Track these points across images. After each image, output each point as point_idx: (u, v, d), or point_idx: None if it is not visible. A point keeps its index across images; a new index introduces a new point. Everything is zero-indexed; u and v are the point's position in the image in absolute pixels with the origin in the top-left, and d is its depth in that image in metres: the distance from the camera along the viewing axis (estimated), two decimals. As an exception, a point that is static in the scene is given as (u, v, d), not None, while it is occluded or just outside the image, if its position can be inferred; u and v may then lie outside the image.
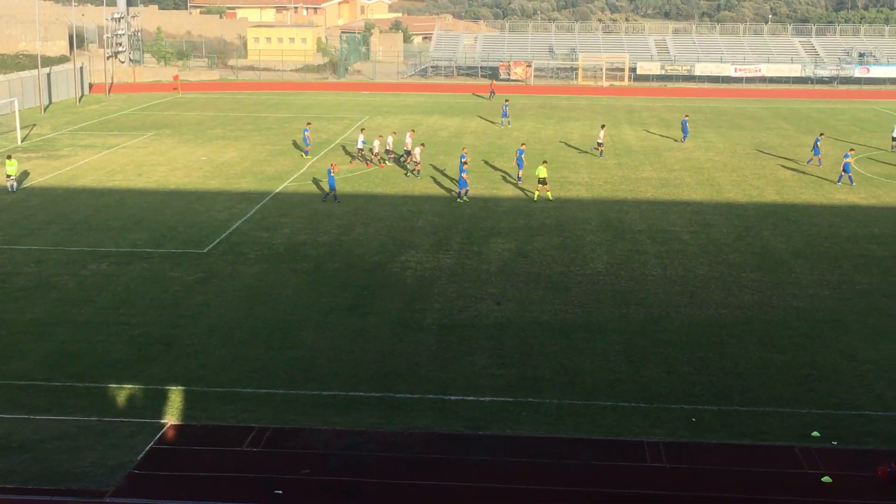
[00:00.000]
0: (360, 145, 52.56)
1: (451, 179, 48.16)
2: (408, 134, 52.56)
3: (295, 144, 58.03)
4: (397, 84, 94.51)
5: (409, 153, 50.39)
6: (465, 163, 44.92)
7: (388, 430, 21.18)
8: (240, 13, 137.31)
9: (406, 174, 49.41)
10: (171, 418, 21.63)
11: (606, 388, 23.51)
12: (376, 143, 52.62)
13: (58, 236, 37.12)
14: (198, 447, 20.42)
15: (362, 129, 55.98)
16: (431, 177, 49.23)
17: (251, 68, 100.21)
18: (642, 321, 28.30)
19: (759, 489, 18.80)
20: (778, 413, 22.24)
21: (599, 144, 55.91)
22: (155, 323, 27.73)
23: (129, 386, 23.38)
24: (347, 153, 55.50)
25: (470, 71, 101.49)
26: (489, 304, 29.62)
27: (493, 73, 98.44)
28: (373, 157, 52.37)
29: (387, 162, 52.51)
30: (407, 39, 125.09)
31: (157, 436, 20.70)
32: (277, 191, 45.72)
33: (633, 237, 37.74)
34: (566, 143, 60.55)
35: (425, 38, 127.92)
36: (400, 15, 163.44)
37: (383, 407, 22.44)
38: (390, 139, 54.09)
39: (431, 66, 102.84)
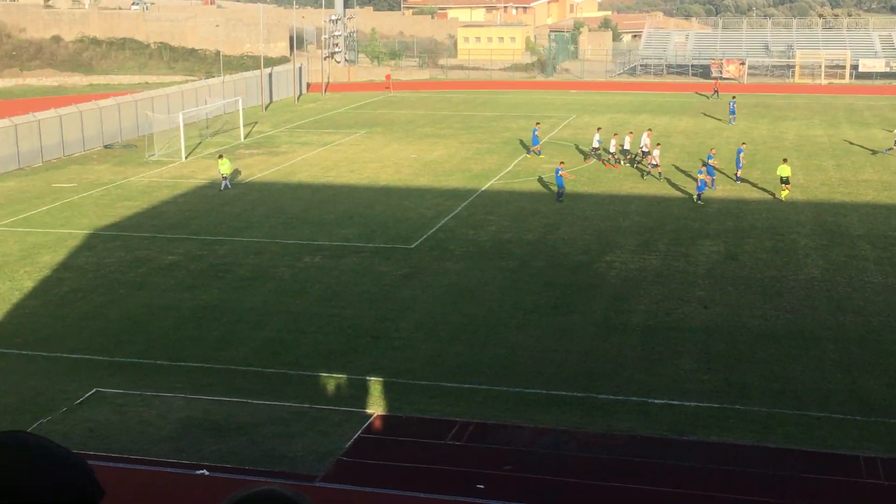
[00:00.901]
0: (595, 144, 52.24)
1: (665, 180, 47.34)
2: (645, 133, 51.14)
3: (522, 143, 58.18)
4: (605, 83, 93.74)
5: (646, 154, 49.40)
6: (709, 163, 43.88)
7: (590, 431, 21.07)
8: (451, 13, 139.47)
9: (643, 176, 48.15)
10: (377, 409, 22.25)
11: (820, 398, 22.55)
12: (612, 142, 52.01)
13: (276, 229, 38.82)
14: (402, 438, 20.92)
15: (598, 129, 55.09)
16: (635, 175, 48.57)
17: (460, 67, 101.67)
18: (860, 330, 26.99)
19: None
20: None
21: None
22: (364, 315, 28.58)
23: (339, 376, 24.21)
24: (580, 152, 55.24)
25: (680, 69, 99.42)
26: (696, 307, 28.97)
27: (704, 72, 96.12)
28: (609, 156, 51.82)
29: (621, 162, 51.55)
30: (616, 38, 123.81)
31: (365, 425, 21.34)
32: (484, 188, 46.22)
33: (850, 242, 36.03)
34: (780, 143, 58.41)
35: (635, 36, 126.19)
36: (609, 13, 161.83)
37: (585, 407, 22.34)
38: (627, 139, 52.73)
39: (640, 65, 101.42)
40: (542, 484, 18.75)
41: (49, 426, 21.08)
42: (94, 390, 23.08)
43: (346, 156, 55.71)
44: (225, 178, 46.37)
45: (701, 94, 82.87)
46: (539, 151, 54.11)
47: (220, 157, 47.81)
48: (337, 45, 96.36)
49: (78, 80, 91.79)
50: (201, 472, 18.83)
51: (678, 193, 44.51)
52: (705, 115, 71.08)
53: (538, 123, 57.57)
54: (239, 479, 18.27)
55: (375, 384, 23.61)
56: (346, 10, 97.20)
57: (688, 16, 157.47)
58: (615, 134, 53.43)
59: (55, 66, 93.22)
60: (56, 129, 55.36)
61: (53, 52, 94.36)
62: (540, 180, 47.42)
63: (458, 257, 34.59)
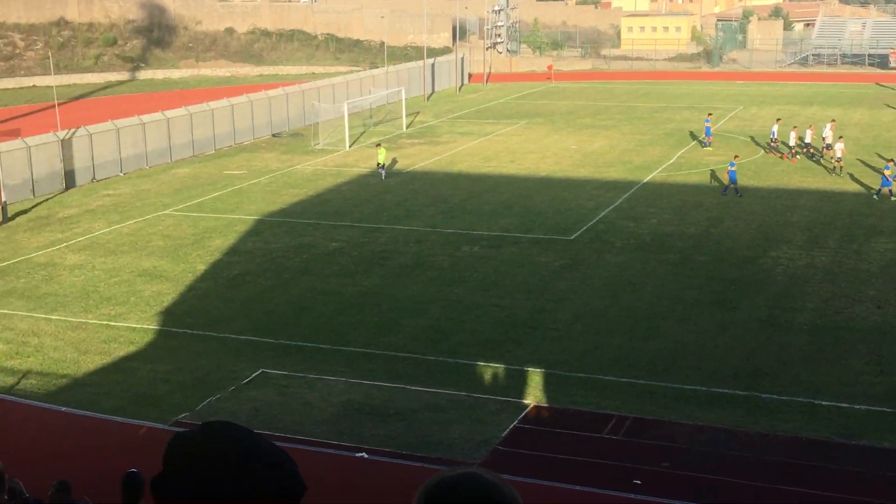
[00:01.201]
0: (773, 136, 50.83)
1: (829, 173, 45.58)
2: (827, 125, 49.19)
3: (692, 135, 57.00)
4: (774, 73, 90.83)
5: (829, 147, 47.55)
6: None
7: (752, 430, 20.49)
8: (614, 3, 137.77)
9: (831, 172, 45.69)
10: (533, 399, 22.23)
11: None
12: (792, 134, 50.43)
13: (435, 218, 39.21)
14: (558, 430, 20.84)
15: (777, 120, 53.41)
16: (807, 169, 46.90)
17: (623, 58, 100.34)
18: None
19: None
20: None
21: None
22: (522, 306, 28.57)
23: (496, 365, 24.29)
24: (756, 144, 53.80)
25: (856, 59, 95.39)
26: (868, 307, 27.78)
27: (881, 62, 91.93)
28: (788, 149, 50.23)
29: (798, 156, 49.59)
30: (787, 26, 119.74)
31: (521, 415, 21.34)
32: (646, 180, 45.50)
33: None
34: (964, 137, 55.34)
35: (807, 24, 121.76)
36: (781, 1, 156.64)
37: (748, 406, 21.73)
38: (808, 132, 50.15)
39: (813, 54, 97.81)
40: (701, 482, 18.36)
41: (217, 404, 21.91)
42: (259, 371, 23.86)
43: (506, 146, 55.77)
44: (381, 167, 47.12)
45: (883, 86, 79.13)
46: (709, 143, 52.80)
47: (378, 146, 48.62)
48: (499, 35, 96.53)
49: (249, 70, 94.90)
50: (361, 454, 19.23)
51: (852, 188, 42.74)
52: (889, 106, 67.90)
53: (710, 114, 56.23)
54: (397, 463, 18.58)
55: (532, 374, 23.59)
56: (509, 0, 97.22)
57: (865, 3, 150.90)
58: (794, 126, 51.70)
59: (228, 56, 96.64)
60: (228, 118, 57.42)
61: (227, 44, 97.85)
62: (713, 175, 46.32)
63: (617, 249, 34.17)
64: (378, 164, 47.02)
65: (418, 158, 52.41)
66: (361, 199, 42.96)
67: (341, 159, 52.75)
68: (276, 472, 2.26)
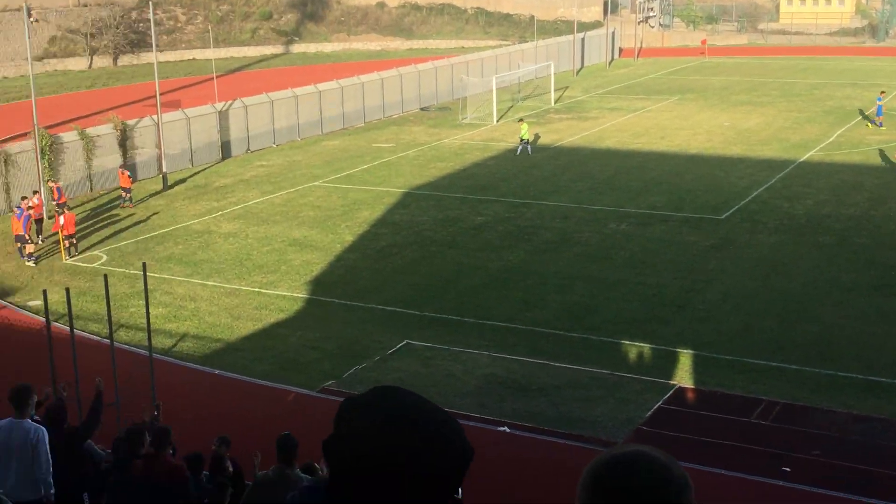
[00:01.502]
0: None
1: None
2: None
3: (861, 114, 54.89)
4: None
5: None
6: None
7: (911, 422, 19.63)
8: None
9: None
10: (679, 380, 21.82)
11: None
12: None
13: (582, 194, 38.85)
14: (704, 412, 20.41)
15: None
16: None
17: (782, 32, 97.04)
18: None
19: None
20: None
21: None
22: (669, 285, 28.06)
23: (641, 344, 23.93)
24: None
25: None
26: None
27: None
28: None
29: None
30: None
31: (666, 396, 20.98)
32: (802, 159, 43.96)
33: None
34: None
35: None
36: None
37: (907, 396, 20.83)
38: None
39: None
40: (854, 473, 17.68)
41: (363, 373, 22.30)
42: (404, 342, 24.16)
43: (656, 122, 54.75)
44: (524, 143, 46.89)
45: None
46: (881, 123, 50.62)
47: (521, 121, 48.40)
48: (652, 9, 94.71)
49: (399, 44, 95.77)
50: (503, 428, 19.26)
51: None
52: None
53: (882, 92, 53.87)
54: (539, 438, 18.55)
55: (679, 355, 23.15)
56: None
57: None
58: None
59: (378, 30, 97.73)
60: (377, 91, 58.13)
61: (378, 18, 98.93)
62: (881, 155, 44.44)
63: (770, 230, 33.15)
64: (521, 139, 46.84)
65: (566, 133, 51.97)
66: (508, 173, 42.89)
67: (488, 133, 52.77)
68: (446, 436, 2.26)
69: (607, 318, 25.71)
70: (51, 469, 10.43)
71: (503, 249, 31.80)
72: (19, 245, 31.11)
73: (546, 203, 37.61)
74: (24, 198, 32.57)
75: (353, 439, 2.23)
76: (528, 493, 16.24)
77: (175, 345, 24.29)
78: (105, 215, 36.74)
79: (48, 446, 10.44)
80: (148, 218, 36.40)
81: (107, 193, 39.51)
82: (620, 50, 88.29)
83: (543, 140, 50.02)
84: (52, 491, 10.48)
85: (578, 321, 25.50)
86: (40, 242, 32.58)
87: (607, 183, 40.60)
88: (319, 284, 28.78)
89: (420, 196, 39.16)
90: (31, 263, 30.57)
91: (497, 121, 55.68)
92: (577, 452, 18.09)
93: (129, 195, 38.15)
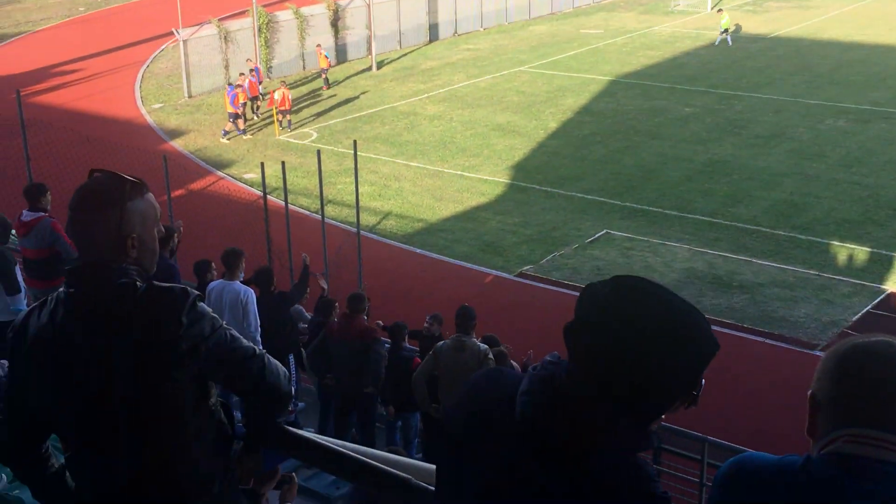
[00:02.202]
0: None
1: None
2: None
3: None
4: None
5: None
6: None
7: None
8: None
9: None
10: (892, 286, 20.89)
11: None
12: None
13: (798, 88, 37.11)
14: (917, 320, 19.53)
15: None
16: None
17: None
18: None
19: None
20: None
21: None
22: (887, 186, 26.66)
23: (852, 246, 22.96)
24: None
25: None
26: None
27: None
28: None
29: None
30: None
31: (876, 301, 20.16)
32: None
33: None
34: None
35: None
36: None
37: None
38: None
39: None
40: None
41: (561, 259, 22.39)
42: (604, 231, 24.04)
43: (884, 13, 51.35)
44: (725, 32, 44.92)
45: None
46: None
47: (720, 10, 46.47)
48: None
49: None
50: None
51: None
52: None
53: None
54: (738, 335, 18.24)
55: (893, 259, 22.10)
56: None
57: None
58: None
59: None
60: (588, -25, 56.76)
61: None
62: None
63: None
64: (722, 30, 44.91)
65: (784, 23, 49.48)
66: (719, 64, 41.37)
67: (701, 22, 50.85)
68: (695, 328, 2.21)
69: (817, 217, 24.74)
70: (259, 328, 11.10)
71: (710, 142, 30.91)
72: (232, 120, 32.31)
73: (758, 95, 36.17)
74: (241, 74, 33.81)
75: (593, 327, 2.20)
76: (725, 394, 16.05)
77: (379, 222, 25.00)
78: (315, 94, 37.78)
79: (256, 307, 11.11)
80: (356, 98, 37.21)
81: (318, 73, 40.58)
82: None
83: (759, 30, 47.84)
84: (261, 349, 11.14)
85: (786, 219, 24.65)
86: (255, 118, 33.83)
87: (826, 77, 38.59)
88: (521, 170, 28.86)
89: (626, 84, 38.36)
90: (226, 140, 31.69)
91: (711, 9, 53.51)
92: (776, 352, 17.74)
93: (324, 76, 38.70)
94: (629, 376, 2.16)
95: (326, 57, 39.03)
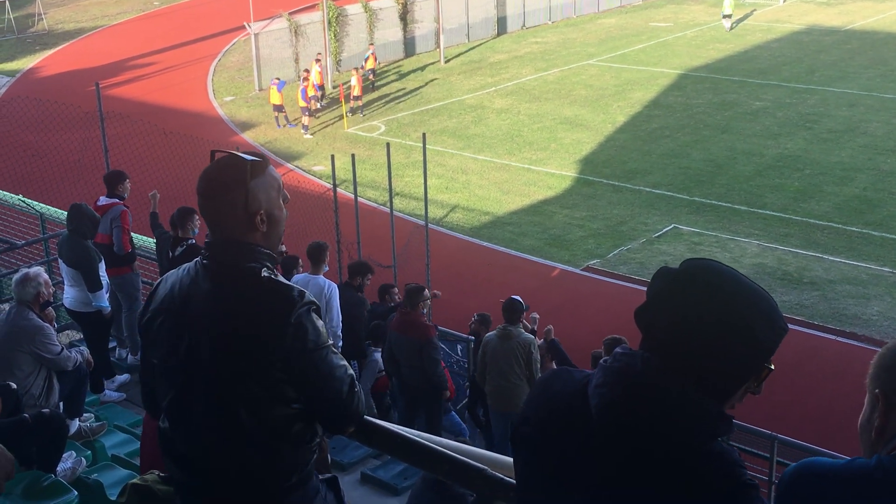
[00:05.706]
0: None
1: None
2: None
3: None
4: None
5: None
6: None
7: None
8: None
9: None
10: (967, 284, 20.48)
11: None
12: None
13: (873, 81, 36.44)
14: None
15: None
16: None
17: None
18: None
19: None
20: None
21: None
22: (964, 182, 26.13)
23: (927, 243, 22.54)
24: None
25: None
26: None
27: None
28: None
29: None
30: None
31: (950, 299, 19.79)
32: None
33: None
34: None
35: None
36: None
37: None
38: None
39: None
40: None
41: (628, 254, 22.31)
42: (671, 226, 23.89)
43: (964, 5, 50.13)
44: (727, 18, 45.94)
45: None
46: None
47: None
48: None
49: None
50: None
51: None
52: None
53: None
54: (807, 333, 18.04)
55: (968, 258, 21.66)
56: None
57: None
58: None
59: None
60: (658, -33, 56.16)
61: None
62: None
63: None
64: (724, 14, 45.77)
65: (859, 16, 48.57)
66: (791, 57, 40.76)
67: (773, 14, 50.11)
68: (766, 307, 2.24)
69: (892, 213, 24.31)
70: (341, 322, 11.26)
71: (781, 136, 30.51)
72: (279, 114, 32.58)
73: (831, 89, 35.58)
74: (306, 70, 34.04)
75: (664, 309, 2.24)
76: (793, 391, 15.88)
77: (446, 215, 25.11)
78: (384, 87, 37.98)
79: (339, 301, 11.26)
80: (425, 90, 37.34)
81: (387, 66, 40.76)
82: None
83: (833, 22, 47.04)
84: (341, 344, 11.33)
85: (859, 215, 24.26)
86: (319, 106, 33.92)
87: (902, 70, 37.85)
88: (588, 164, 28.76)
89: (696, 78, 37.98)
90: (308, 136, 31.98)
91: (783, 1, 52.70)
92: (847, 349, 17.51)
93: (371, 77, 37.41)
94: (700, 356, 2.19)
95: (374, 55, 38.43)
